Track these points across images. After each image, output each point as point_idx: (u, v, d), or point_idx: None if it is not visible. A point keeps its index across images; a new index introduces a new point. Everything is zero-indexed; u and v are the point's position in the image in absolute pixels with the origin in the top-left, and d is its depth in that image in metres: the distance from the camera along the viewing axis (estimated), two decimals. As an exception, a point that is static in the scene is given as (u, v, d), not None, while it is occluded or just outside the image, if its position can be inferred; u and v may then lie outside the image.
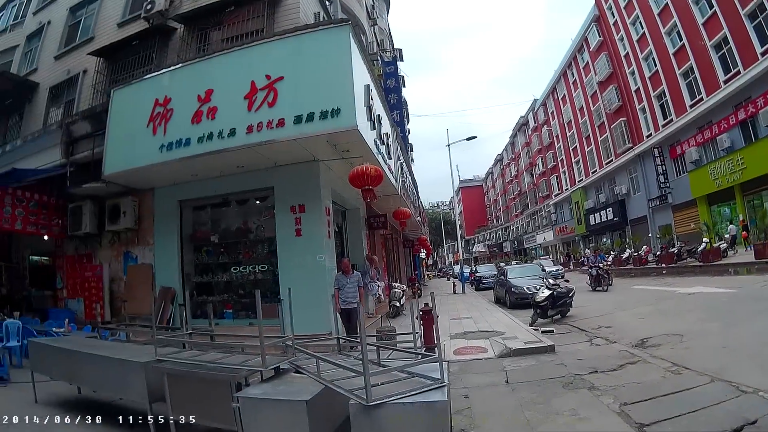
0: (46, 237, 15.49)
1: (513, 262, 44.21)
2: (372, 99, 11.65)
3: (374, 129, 11.98)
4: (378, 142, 12.71)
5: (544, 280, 15.60)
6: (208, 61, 11.58)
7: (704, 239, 26.41)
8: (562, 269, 34.05)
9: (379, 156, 12.76)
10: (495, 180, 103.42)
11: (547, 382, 7.63)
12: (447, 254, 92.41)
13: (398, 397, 3.95)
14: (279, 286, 11.97)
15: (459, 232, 51.81)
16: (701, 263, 24.56)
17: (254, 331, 11.15)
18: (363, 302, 12.20)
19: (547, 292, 14.29)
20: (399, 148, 19.51)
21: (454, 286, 32.33)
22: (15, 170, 13.74)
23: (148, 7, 15.07)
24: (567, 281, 15.59)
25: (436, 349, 4.48)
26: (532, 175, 75.25)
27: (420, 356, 5.26)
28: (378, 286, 16.32)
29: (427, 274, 46.02)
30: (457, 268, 55.21)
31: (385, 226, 21.59)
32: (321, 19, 14.81)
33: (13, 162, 14.91)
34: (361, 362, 4.32)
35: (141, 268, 14.04)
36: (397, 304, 16.68)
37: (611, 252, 39.44)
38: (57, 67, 18.44)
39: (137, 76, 13.20)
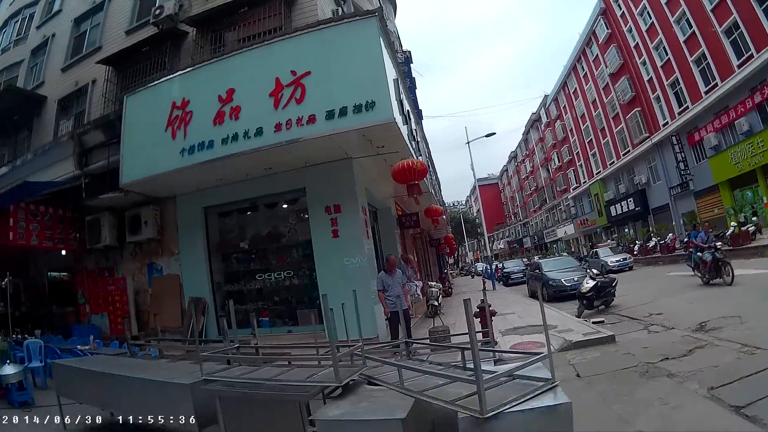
0: (63, 252, 14.96)
1: (548, 256, 43.72)
2: (402, 93, 11.14)
3: (406, 124, 11.48)
4: (409, 137, 12.18)
5: (588, 270, 15.36)
6: (228, 60, 11.05)
7: (732, 223, 25.88)
8: (629, 258, 31.15)
9: (413, 152, 12.27)
10: (510, 177, 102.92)
11: (622, 373, 7.37)
12: (467, 252, 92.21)
13: (515, 404, 3.34)
14: (318, 291, 11.49)
15: (482, 230, 51.81)
16: (731, 247, 23.78)
17: (300, 339, 10.72)
18: (409, 302, 11.61)
19: (591, 283, 14.03)
20: (425, 144, 19.11)
21: (484, 282, 31.97)
22: (26, 183, 13.21)
23: (157, 12, 14.51)
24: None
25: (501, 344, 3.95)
26: (548, 170, 74.49)
27: (520, 356, 4.76)
28: (416, 285, 15.91)
29: (451, 273, 45.55)
30: (480, 266, 54.89)
31: (418, 225, 21.33)
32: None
33: (24, 177, 14.33)
34: (447, 368, 3.92)
35: (167, 279, 13.52)
36: (435, 303, 16.09)
37: (636, 241, 39.02)
38: (64, 80, 17.96)
39: (149, 82, 12.62)
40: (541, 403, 3.37)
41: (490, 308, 9.77)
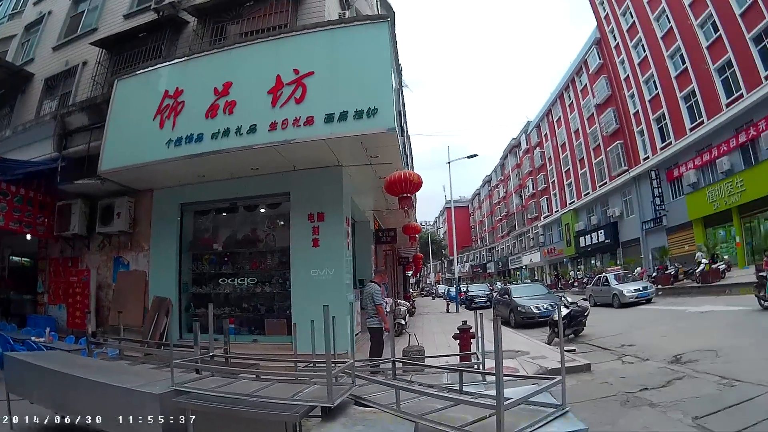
0: (29, 236, 14.20)
1: (513, 283, 43.67)
2: (400, 104, 10.85)
3: (402, 135, 11.18)
4: (402, 150, 11.97)
5: (562, 298, 15.15)
6: (229, 52, 10.66)
7: (703, 260, 26.06)
8: (650, 288, 23.90)
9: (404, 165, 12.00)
10: (482, 201, 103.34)
11: (602, 402, 7.33)
12: (429, 274, 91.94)
13: (530, 430, 3.21)
14: (290, 300, 11.09)
15: (446, 251, 51.70)
16: (700, 284, 24.45)
17: (267, 349, 10.32)
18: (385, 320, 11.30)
19: (564, 311, 13.87)
20: (411, 160, 18.90)
21: (448, 304, 32.06)
22: (1, 160, 12.52)
23: (159, -3, 14.04)
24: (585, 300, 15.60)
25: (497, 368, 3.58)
26: (521, 196, 75.05)
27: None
28: (386, 303, 15.56)
29: (411, 293, 45.83)
30: (442, 287, 54.83)
31: (394, 241, 21.07)
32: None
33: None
34: (440, 389, 3.80)
35: (133, 276, 12.87)
36: (402, 322, 15.83)
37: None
38: (55, 59, 17.43)
39: (142, 68, 12.09)
40: (558, 429, 3.28)
41: (470, 330, 9.62)
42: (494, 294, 32.94)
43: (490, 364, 9.53)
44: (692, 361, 9.30)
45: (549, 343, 13.40)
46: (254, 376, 5.45)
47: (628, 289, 22.84)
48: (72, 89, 15.93)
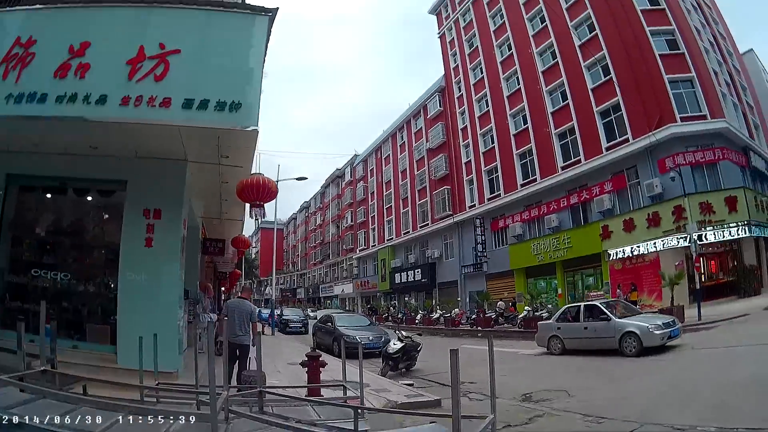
0: None
1: (320, 309, 43.55)
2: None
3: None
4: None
5: (396, 332, 15.60)
6: (94, 10, 9.15)
7: (526, 307, 28.08)
8: (677, 325, 15.26)
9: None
10: (298, 226, 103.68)
11: None
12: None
13: None
14: (115, 304, 9.83)
15: (257, 272, 50.28)
16: (522, 329, 25.86)
17: (88, 358, 9.16)
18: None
19: (399, 345, 14.23)
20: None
21: (263, 327, 31.14)
22: None
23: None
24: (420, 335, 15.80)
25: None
26: (338, 227, 75.82)
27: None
28: (210, 318, 14.75)
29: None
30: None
31: (222, 253, 20.03)
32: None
33: None
34: None
35: None
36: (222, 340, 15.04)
37: (419, 311, 40.16)
38: None
39: None
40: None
41: (320, 359, 9.36)
42: (308, 319, 34.13)
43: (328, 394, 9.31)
44: (545, 400, 9.36)
45: (383, 375, 13.43)
46: (94, 401, 4.30)
47: (655, 325, 14.64)
48: None
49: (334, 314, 25.06)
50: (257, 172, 11.15)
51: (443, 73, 48.77)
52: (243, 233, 22.94)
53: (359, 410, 4.55)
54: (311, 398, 6.02)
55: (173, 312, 9.85)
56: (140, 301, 9.54)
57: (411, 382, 12.41)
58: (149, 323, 8.82)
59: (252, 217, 10.90)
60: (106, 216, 11.22)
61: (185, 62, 8.66)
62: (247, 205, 12.09)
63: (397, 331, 15.62)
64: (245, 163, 10.57)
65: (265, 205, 11.01)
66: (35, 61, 8.77)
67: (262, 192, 10.03)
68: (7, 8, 9.80)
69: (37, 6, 9.59)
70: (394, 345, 14.22)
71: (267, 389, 5.63)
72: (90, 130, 9.01)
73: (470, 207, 41.52)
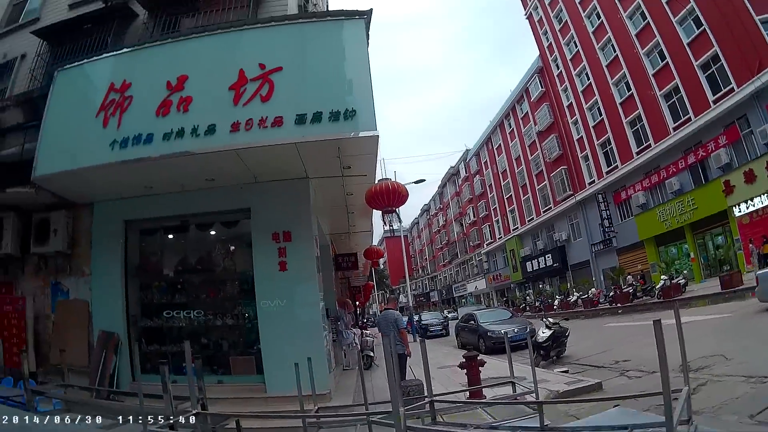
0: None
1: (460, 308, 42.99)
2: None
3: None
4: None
5: (544, 320, 14.91)
6: (184, 43, 9.36)
7: (662, 276, 26.64)
8: None
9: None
10: (421, 229, 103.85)
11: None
12: (372, 303, 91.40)
13: None
14: (257, 334, 9.73)
15: (388, 281, 50.89)
16: (661, 299, 24.43)
17: (235, 391, 9.19)
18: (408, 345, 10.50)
19: (548, 332, 13.59)
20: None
21: (409, 335, 31.13)
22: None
23: (106, -15, 12.56)
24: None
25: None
26: (461, 224, 75.26)
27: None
28: (353, 333, 14.56)
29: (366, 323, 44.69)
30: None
31: (356, 267, 19.92)
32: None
33: None
34: None
35: (74, 305, 10.78)
36: (371, 354, 14.73)
37: (556, 297, 39.18)
38: (-8, 51, 15.47)
39: (87, 59, 10.40)
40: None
41: (476, 359, 8.84)
42: (447, 321, 32.90)
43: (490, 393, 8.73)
44: (704, 368, 8.87)
45: (537, 366, 12.69)
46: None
47: None
48: (8, 85, 13.89)
49: (475, 312, 24.49)
50: (384, 177, 10.83)
51: (538, 53, 47.25)
52: (374, 243, 22.97)
53: (541, 405, 4.33)
54: (479, 401, 5.45)
55: (318, 332, 9.70)
56: (282, 326, 9.43)
57: (565, 368, 11.82)
58: (295, 347, 8.76)
59: (385, 224, 10.50)
60: (232, 247, 11.23)
61: (289, 78, 8.62)
62: (376, 214, 11.82)
63: (544, 319, 14.92)
64: (370, 172, 10.38)
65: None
66: (134, 103, 8.97)
67: (393, 197, 9.88)
68: (95, 57, 9.94)
69: (124, 50, 9.65)
70: (543, 333, 13.61)
71: (437, 399, 5.21)
72: (203, 162, 9.05)
73: (590, 183, 40.02)
